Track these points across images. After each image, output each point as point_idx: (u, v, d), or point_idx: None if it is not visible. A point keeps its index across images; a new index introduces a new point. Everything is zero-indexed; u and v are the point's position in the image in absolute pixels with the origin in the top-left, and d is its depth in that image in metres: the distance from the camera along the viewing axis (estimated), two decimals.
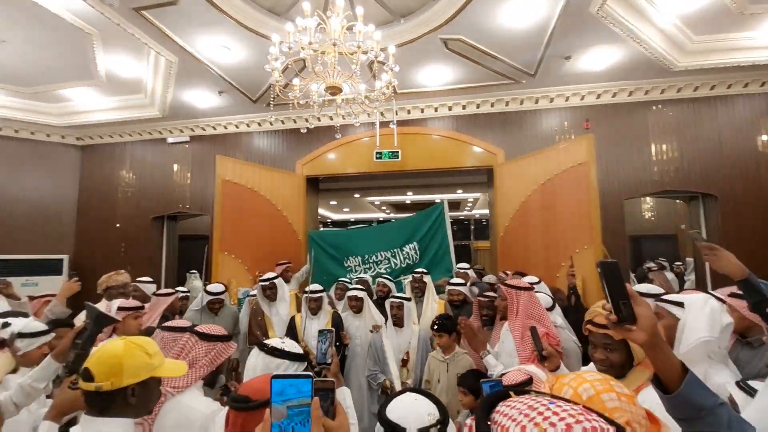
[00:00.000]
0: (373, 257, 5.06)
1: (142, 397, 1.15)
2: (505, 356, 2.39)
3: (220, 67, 4.63)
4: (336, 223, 14.88)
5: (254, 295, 3.87)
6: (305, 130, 3.74)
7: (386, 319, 3.30)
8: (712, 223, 4.86)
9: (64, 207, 6.46)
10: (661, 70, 4.58)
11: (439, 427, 1.14)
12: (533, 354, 2.05)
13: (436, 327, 2.67)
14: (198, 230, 7.00)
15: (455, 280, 3.81)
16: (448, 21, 3.76)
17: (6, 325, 1.92)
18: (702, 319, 1.70)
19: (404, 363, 3.02)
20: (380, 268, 4.97)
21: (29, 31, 4.01)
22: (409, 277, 4.01)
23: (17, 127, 6.05)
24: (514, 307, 2.39)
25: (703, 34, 4.18)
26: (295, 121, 5.95)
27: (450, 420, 1.24)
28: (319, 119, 5.53)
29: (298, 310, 3.77)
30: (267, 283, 3.70)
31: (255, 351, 1.36)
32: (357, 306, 3.49)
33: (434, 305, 3.65)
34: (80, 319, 2.12)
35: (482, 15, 3.71)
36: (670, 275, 5.88)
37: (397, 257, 5.01)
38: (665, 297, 1.70)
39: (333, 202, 11.85)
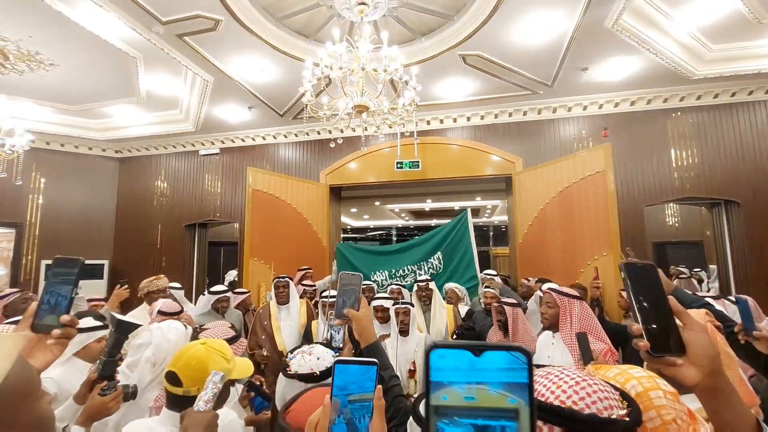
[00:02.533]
0: (400, 271, 5.13)
1: (218, 398, 1.27)
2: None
3: (251, 85, 4.93)
4: (356, 230, 15.12)
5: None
6: (334, 145, 3.95)
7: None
8: (735, 230, 4.84)
9: (103, 215, 6.90)
10: (680, 79, 4.63)
11: None
12: (579, 363, 1.87)
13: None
14: (222, 237, 7.34)
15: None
16: (466, 39, 3.94)
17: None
18: None
19: (411, 374, 2.77)
20: (406, 281, 4.98)
21: (80, 55, 4.37)
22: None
23: (63, 141, 6.53)
24: (567, 317, 2.17)
25: (720, 43, 4.22)
26: (319, 133, 6.22)
27: None
28: (342, 131, 5.77)
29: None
30: (282, 281, 3.49)
31: (281, 377, 1.37)
32: (383, 318, 3.13)
33: (442, 311, 3.57)
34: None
35: (499, 32, 3.87)
36: None
37: (422, 269, 5.04)
38: None
39: (353, 210, 12.10)
